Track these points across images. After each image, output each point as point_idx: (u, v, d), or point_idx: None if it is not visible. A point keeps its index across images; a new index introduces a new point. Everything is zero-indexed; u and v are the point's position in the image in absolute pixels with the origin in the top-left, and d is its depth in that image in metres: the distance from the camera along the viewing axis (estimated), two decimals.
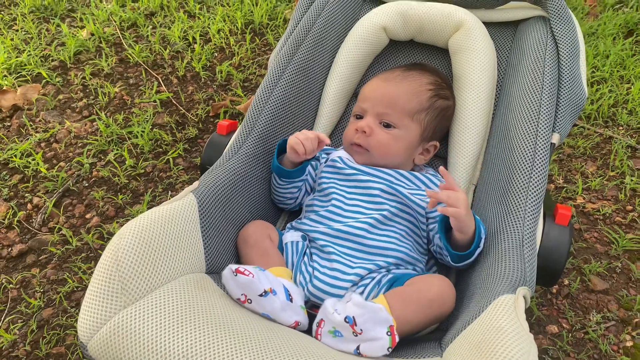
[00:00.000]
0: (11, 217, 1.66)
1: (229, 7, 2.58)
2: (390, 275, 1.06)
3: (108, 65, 2.24)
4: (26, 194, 1.73)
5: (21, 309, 1.43)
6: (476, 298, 0.94)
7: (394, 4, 1.40)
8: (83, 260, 1.55)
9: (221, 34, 2.41)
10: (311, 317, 0.98)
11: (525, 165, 1.09)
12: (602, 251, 1.59)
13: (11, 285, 1.49)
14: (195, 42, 2.36)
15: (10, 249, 1.58)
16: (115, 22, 2.48)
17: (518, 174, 1.09)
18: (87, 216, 1.68)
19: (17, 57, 2.22)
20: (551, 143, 1.13)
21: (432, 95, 1.24)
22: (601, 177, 1.81)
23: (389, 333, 0.85)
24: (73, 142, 1.91)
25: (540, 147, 1.11)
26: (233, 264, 1.07)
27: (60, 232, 1.62)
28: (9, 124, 1.99)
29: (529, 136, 1.12)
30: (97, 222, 1.66)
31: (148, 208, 1.68)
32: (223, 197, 1.09)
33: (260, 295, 0.90)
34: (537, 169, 1.08)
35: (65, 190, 1.75)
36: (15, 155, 1.83)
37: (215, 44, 2.36)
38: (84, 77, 2.18)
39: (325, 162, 1.26)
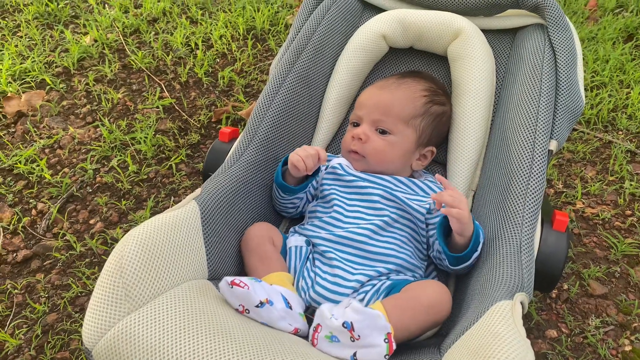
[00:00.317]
0: (16, 222, 1.68)
1: (231, 13, 2.60)
2: (388, 282, 1.08)
3: (111, 71, 2.26)
4: (31, 200, 1.75)
5: (26, 314, 1.45)
6: (474, 304, 0.95)
7: (394, 12, 1.42)
8: (87, 265, 1.57)
9: (223, 40, 2.43)
10: (311, 322, 0.99)
11: (523, 172, 1.11)
12: (601, 256, 1.61)
13: (16, 291, 1.50)
14: (198, 48, 2.38)
15: (15, 254, 1.60)
16: (118, 28, 2.50)
17: (516, 180, 1.11)
18: (91, 222, 1.70)
19: (21, 63, 2.25)
20: (549, 150, 1.15)
21: (426, 101, 1.26)
22: (600, 182, 1.83)
23: (386, 340, 0.86)
24: (77, 148, 1.94)
25: (538, 153, 1.12)
26: (232, 272, 1.09)
27: (65, 238, 1.64)
28: (13, 130, 2.01)
29: (527, 143, 1.14)
30: (100, 228, 1.67)
31: (151, 214, 1.70)
32: (225, 204, 1.10)
33: (257, 306, 0.91)
34: (534, 175, 1.10)
35: (69, 196, 1.77)
36: (20, 161, 1.85)
37: (217, 50, 2.39)
38: (87, 83, 2.20)
39: (325, 169, 1.28)
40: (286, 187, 1.21)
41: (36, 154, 1.90)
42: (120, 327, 0.82)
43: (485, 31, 1.39)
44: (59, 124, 2.03)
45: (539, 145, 1.13)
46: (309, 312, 1.05)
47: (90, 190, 1.80)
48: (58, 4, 2.64)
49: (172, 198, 1.78)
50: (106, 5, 2.69)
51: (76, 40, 2.41)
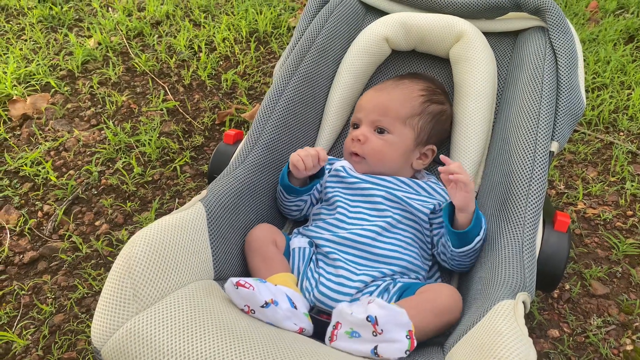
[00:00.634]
0: (22, 224, 1.70)
1: (234, 16, 2.62)
2: (399, 284, 1.09)
3: (115, 74, 2.28)
4: (37, 202, 1.77)
5: (33, 314, 1.47)
6: (477, 304, 0.96)
7: (396, 15, 1.43)
8: (93, 266, 1.59)
9: (226, 42, 2.45)
10: (317, 322, 1.01)
11: (524, 173, 1.12)
12: (602, 256, 1.62)
13: (23, 292, 1.52)
14: (201, 51, 2.40)
15: (22, 256, 1.61)
16: (121, 31, 2.52)
17: (518, 181, 1.12)
18: (97, 223, 1.72)
19: (26, 66, 2.27)
20: (550, 151, 1.16)
21: (424, 100, 1.28)
22: (602, 183, 1.84)
23: (408, 337, 0.87)
24: (82, 151, 1.95)
25: (539, 155, 1.13)
26: (237, 273, 1.10)
27: (70, 239, 1.66)
28: (19, 133, 2.03)
29: (529, 144, 1.15)
30: (106, 229, 1.69)
31: (156, 215, 1.71)
32: (230, 206, 1.12)
33: (262, 306, 0.92)
34: (536, 176, 1.11)
35: (74, 198, 1.79)
36: (26, 164, 1.87)
37: (220, 53, 2.40)
38: (91, 86, 2.22)
39: (329, 172, 1.29)
40: (291, 188, 1.22)
41: (42, 156, 1.92)
42: (129, 327, 0.84)
43: (487, 34, 1.40)
44: (64, 127, 2.05)
45: (540, 147, 1.14)
46: (314, 312, 1.06)
47: (96, 192, 1.81)
48: (62, 8, 2.66)
49: (177, 200, 1.79)
50: (110, 8, 2.71)
51: (80, 43, 2.43)
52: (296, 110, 1.34)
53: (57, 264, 1.60)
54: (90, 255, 1.62)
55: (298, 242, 1.19)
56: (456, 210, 1.08)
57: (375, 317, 0.86)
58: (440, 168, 1.08)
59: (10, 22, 2.57)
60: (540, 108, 1.18)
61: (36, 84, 2.20)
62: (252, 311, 0.93)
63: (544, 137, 1.15)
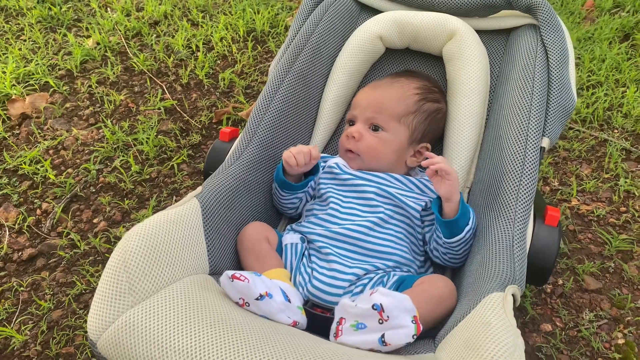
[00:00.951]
0: (21, 222, 1.72)
1: (231, 15, 2.63)
2: (395, 277, 1.11)
3: (113, 73, 2.29)
4: (35, 200, 1.79)
5: (32, 310, 1.48)
6: (468, 297, 0.97)
7: (390, 13, 1.44)
8: (91, 263, 1.60)
9: (224, 42, 2.46)
10: (311, 316, 1.02)
11: (515, 168, 1.14)
12: (595, 251, 1.63)
13: (22, 288, 1.54)
14: (199, 50, 2.41)
15: (20, 253, 1.63)
16: (120, 31, 2.54)
17: (509, 176, 1.14)
18: (95, 221, 1.73)
19: (25, 66, 2.28)
20: (541, 147, 1.17)
21: (419, 98, 1.29)
22: (596, 180, 1.85)
23: (413, 321, 0.87)
24: (80, 149, 1.97)
25: (530, 150, 1.15)
26: (231, 268, 1.12)
27: (69, 237, 1.67)
28: (18, 131, 2.04)
29: (520, 140, 1.17)
30: (104, 227, 1.71)
31: (153, 212, 1.73)
32: (225, 202, 1.13)
33: (257, 299, 0.93)
34: (527, 171, 1.12)
35: (73, 196, 1.80)
36: (25, 162, 1.89)
37: (218, 52, 2.42)
38: (90, 86, 2.23)
39: (323, 169, 1.31)
40: (285, 183, 1.24)
41: (40, 155, 1.93)
42: (124, 320, 0.85)
43: (479, 32, 1.42)
44: (62, 126, 2.06)
45: (531, 142, 1.15)
46: (308, 305, 1.08)
47: (94, 190, 1.83)
48: (61, 8, 2.68)
49: (174, 197, 1.81)
50: (108, 8, 2.73)
51: (79, 43, 2.45)
52: (291, 108, 1.35)
53: (55, 260, 1.61)
54: (88, 252, 1.64)
55: (290, 238, 1.20)
56: (442, 200, 1.11)
57: (381, 304, 0.86)
58: (424, 162, 1.10)
59: (10, 23, 2.59)
60: (531, 104, 1.20)
61: (35, 83, 2.21)
62: (247, 304, 0.95)
63: (535, 132, 1.16)
